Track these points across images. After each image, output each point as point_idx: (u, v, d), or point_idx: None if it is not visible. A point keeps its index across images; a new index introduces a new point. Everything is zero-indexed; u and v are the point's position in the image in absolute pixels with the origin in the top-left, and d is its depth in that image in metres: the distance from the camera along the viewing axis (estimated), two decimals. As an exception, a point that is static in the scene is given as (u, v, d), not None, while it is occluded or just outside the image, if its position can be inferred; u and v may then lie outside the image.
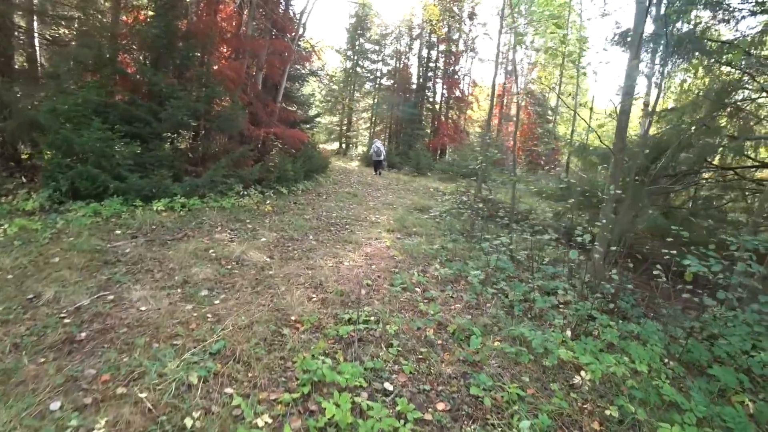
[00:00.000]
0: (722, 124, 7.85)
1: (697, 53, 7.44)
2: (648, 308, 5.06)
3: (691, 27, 7.94)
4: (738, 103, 7.46)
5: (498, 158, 13.80)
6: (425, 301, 4.13)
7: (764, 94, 7.74)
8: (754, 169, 8.95)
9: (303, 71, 13.40)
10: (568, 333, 3.82)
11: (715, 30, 8.35)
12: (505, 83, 25.33)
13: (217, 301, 3.56)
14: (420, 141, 22.76)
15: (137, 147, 6.58)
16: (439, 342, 3.35)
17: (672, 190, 7.93)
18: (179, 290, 3.73)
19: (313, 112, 16.19)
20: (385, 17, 27.20)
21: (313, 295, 3.90)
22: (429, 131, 24.09)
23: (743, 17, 7.67)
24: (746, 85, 7.73)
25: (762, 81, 7.98)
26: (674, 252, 3.91)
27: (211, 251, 4.84)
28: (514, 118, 24.18)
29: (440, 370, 2.94)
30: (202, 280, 4.00)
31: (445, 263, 5.48)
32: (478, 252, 6.26)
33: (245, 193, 8.00)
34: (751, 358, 3.68)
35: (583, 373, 3.07)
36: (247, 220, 6.62)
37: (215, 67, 8.66)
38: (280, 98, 11.11)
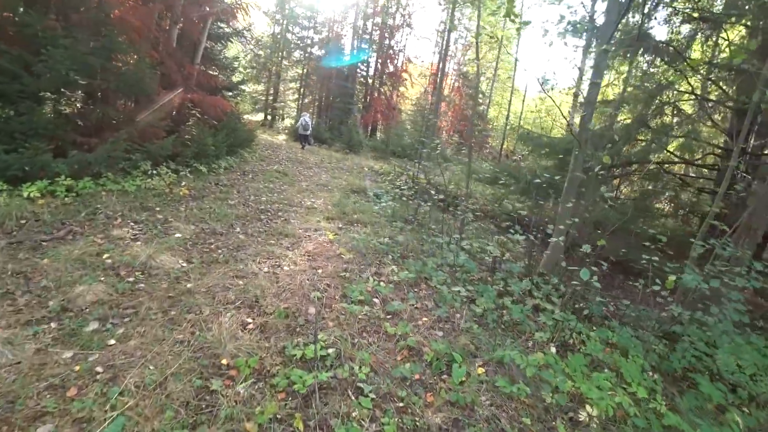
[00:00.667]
0: (660, 122, 8.07)
1: (641, 50, 7.45)
2: (613, 309, 4.90)
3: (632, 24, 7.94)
4: (675, 102, 7.65)
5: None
6: (389, 317, 3.45)
7: (691, 95, 8.06)
8: (675, 165, 9.43)
9: (226, 29, 11.63)
10: (553, 350, 3.41)
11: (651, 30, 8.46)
12: (440, 63, 25.00)
13: (112, 341, 2.54)
14: (352, 116, 21.73)
15: (-2, 110, 4.96)
16: (417, 377, 2.70)
17: (611, 181, 8.05)
18: (54, 325, 2.63)
19: (237, 78, 14.41)
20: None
21: (249, 320, 3.01)
22: (361, 106, 23.08)
23: (683, 21, 7.80)
24: (676, 86, 7.97)
25: (692, 82, 8.31)
26: (656, 259, 3.65)
27: (105, 256, 3.67)
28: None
29: (428, 421, 2.30)
30: (90, 304, 2.91)
31: (399, 262, 4.84)
32: (431, 245, 5.71)
33: (154, 172, 6.60)
34: (717, 363, 3.61)
35: (588, 407, 2.63)
36: (157, 208, 5.37)
37: (115, 12, 6.94)
38: (199, 59, 9.48)
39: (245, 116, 15.63)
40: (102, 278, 3.31)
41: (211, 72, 10.64)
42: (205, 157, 8.42)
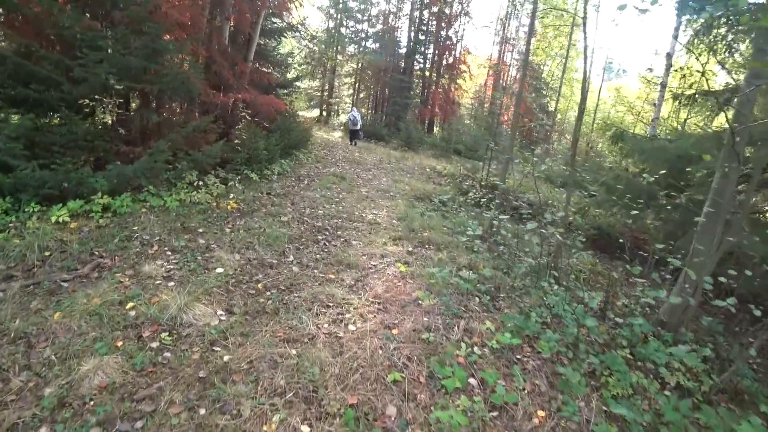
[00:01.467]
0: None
1: None
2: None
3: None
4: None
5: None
6: (494, 414, 2.42)
7: None
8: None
9: (280, 25, 11.00)
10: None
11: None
12: (501, 52, 23.30)
13: (107, 477, 1.74)
14: (410, 111, 20.65)
15: (30, 120, 4.43)
16: None
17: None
18: (37, 436, 1.88)
19: (292, 74, 13.84)
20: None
21: (305, 428, 2.11)
22: (419, 101, 21.92)
23: None
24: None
25: None
26: None
27: (129, 306, 2.94)
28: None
29: None
30: (95, 392, 2.14)
31: (492, 310, 3.77)
32: (523, 278, 4.58)
33: (201, 182, 5.98)
34: None
35: None
36: (200, 229, 4.66)
37: (161, 9, 6.37)
38: (252, 56, 8.86)
39: (300, 113, 15.12)
40: (120, 342, 2.55)
41: (264, 69, 10.03)
42: (257, 162, 7.77)
